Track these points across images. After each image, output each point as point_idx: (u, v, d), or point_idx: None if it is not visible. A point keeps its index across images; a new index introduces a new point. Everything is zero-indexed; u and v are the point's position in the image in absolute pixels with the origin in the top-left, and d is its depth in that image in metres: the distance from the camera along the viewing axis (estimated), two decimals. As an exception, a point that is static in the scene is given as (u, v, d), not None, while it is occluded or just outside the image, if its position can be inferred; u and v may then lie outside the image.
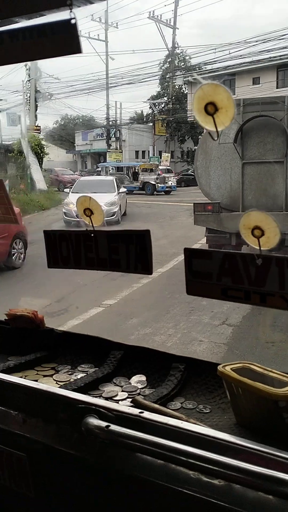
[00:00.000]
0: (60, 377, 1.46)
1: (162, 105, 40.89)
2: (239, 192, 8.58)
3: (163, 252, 9.19)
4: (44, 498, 1.19)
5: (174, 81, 35.65)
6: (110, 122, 40.89)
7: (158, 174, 30.31)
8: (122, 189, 17.20)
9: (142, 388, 1.38)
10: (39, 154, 22.69)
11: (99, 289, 7.34)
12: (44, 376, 1.48)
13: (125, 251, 1.25)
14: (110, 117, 40.51)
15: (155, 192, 29.00)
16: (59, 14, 1.03)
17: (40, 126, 26.72)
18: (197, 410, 1.24)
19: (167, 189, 29.33)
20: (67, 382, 1.40)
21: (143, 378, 1.43)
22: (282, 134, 8.17)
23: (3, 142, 24.03)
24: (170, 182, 30.40)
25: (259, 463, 0.88)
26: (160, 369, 1.43)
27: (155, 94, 43.33)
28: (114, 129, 41.40)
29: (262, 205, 8.15)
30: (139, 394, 1.34)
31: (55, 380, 1.45)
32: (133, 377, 1.44)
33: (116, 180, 17.87)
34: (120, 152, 40.00)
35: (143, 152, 42.35)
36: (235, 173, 8.62)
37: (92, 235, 1.29)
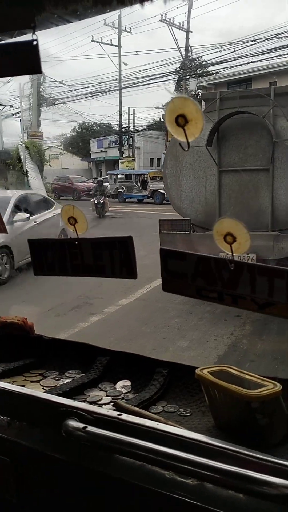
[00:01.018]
0: (47, 382, 1.49)
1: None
2: (215, 206, 7.07)
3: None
4: (27, 502, 1.22)
5: (187, 86, 35.28)
6: (123, 129, 40.45)
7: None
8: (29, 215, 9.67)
9: (127, 392, 1.41)
10: (39, 161, 22.23)
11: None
12: (32, 381, 1.51)
13: (109, 257, 1.30)
14: (123, 123, 40.02)
15: (164, 201, 27.17)
16: (23, 36, 1.09)
17: (42, 132, 26.31)
18: (178, 413, 1.27)
19: None
20: (52, 387, 1.43)
21: (128, 383, 1.46)
22: (267, 135, 6.61)
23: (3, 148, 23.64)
24: None
25: (231, 462, 0.91)
26: (145, 374, 1.46)
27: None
28: (127, 136, 40.90)
29: (243, 223, 6.74)
30: (122, 398, 1.37)
31: (42, 385, 1.48)
32: (118, 382, 1.47)
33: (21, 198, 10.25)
34: (133, 159, 39.39)
35: (158, 159, 41.19)
36: (211, 183, 7.12)
37: (76, 242, 1.33)
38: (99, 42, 36.37)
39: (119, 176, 32.25)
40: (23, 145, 20.89)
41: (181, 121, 0.96)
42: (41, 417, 1.19)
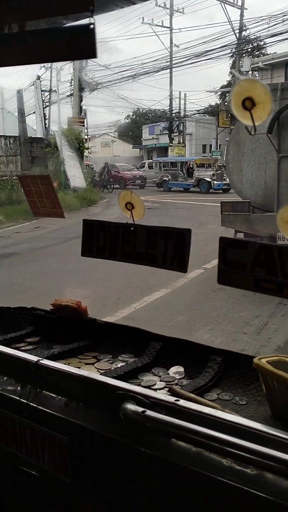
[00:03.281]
0: (101, 365, 1.52)
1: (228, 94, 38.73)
2: (274, 190, 7.50)
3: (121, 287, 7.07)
4: (80, 482, 1.25)
5: (240, 67, 33.41)
6: (174, 114, 38.87)
7: (216, 170, 27.22)
8: None
9: (180, 378, 1.41)
10: (79, 148, 21.11)
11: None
12: (86, 364, 1.54)
13: (163, 246, 1.29)
14: (174, 109, 38.36)
15: (210, 190, 26.26)
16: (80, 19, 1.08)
17: (84, 119, 25.27)
18: (233, 401, 1.26)
19: (224, 186, 25.59)
20: (107, 370, 1.46)
21: (181, 369, 1.46)
22: None
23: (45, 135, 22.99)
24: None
25: None
26: (198, 361, 1.45)
27: (225, 84, 40.39)
28: (177, 122, 39.27)
29: None
30: (176, 384, 1.37)
31: (96, 368, 1.50)
32: (171, 368, 1.47)
33: None
34: (183, 146, 37.78)
35: (210, 146, 39.71)
36: (270, 168, 7.59)
37: (132, 228, 1.33)
38: (149, 24, 35.37)
39: (164, 163, 30.97)
40: (60, 131, 20.16)
41: (248, 104, 0.93)
42: (98, 399, 1.21)
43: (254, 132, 0.95)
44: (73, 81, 24.54)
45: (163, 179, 29.92)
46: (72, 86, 24.76)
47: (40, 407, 1.29)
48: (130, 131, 50.62)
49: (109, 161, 33.19)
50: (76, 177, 19.74)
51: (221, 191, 25.82)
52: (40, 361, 1.33)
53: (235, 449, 0.93)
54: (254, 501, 0.92)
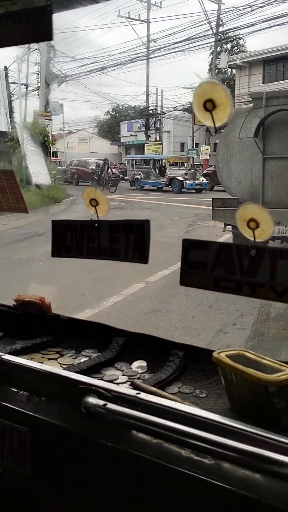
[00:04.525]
0: (64, 360, 1.53)
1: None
2: (259, 188, 8.50)
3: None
4: (40, 475, 1.25)
5: (217, 64, 32.52)
6: (151, 111, 38.33)
7: (189, 169, 26.72)
8: None
9: (142, 373, 1.44)
10: (44, 143, 20.19)
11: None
12: (49, 359, 1.54)
13: (125, 240, 1.31)
14: (150, 105, 37.93)
15: (183, 190, 25.34)
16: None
17: (50, 112, 24.34)
18: (194, 394, 1.30)
19: (197, 186, 25.37)
20: (70, 365, 1.47)
21: (144, 363, 1.48)
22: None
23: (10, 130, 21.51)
24: (202, 179, 26.23)
25: (248, 442, 0.93)
26: (161, 356, 1.48)
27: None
28: (154, 119, 38.62)
29: (283, 202, 8.10)
30: (138, 378, 1.39)
31: (59, 363, 1.51)
32: (134, 363, 1.49)
33: None
34: (159, 143, 37.16)
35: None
36: (256, 168, 8.57)
37: (96, 225, 1.35)
38: (126, 18, 34.83)
39: (136, 161, 29.93)
40: (21, 125, 19.35)
41: (209, 105, 0.96)
42: (59, 393, 1.22)
43: (215, 133, 0.98)
44: (39, 72, 23.73)
45: (136, 177, 29.00)
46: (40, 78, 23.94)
47: (2, 402, 1.29)
48: (110, 128, 49.71)
49: (85, 158, 32.35)
50: (39, 173, 18.75)
51: (193, 191, 25.25)
52: (2, 356, 1.33)
53: (193, 440, 0.96)
54: (212, 490, 0.96)
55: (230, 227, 8.52)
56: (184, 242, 1.17)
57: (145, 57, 32.58)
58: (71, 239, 1.41)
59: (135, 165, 29.51)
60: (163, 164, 28.08)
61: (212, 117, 0.97)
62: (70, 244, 1.42)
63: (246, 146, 8.54)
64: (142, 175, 28.62)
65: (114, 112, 51.28)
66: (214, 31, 29.53)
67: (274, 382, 1.05)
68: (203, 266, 1.14)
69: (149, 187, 28.29)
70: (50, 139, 21.61)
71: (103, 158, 29.20)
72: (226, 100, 0.95)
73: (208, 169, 27.96)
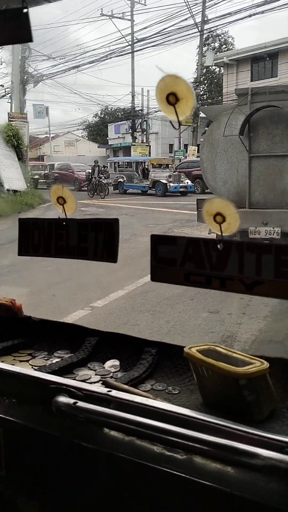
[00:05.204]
0: (36, 362, 1.50)
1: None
2: (245, 187, 8.10)
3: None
4: (16, 475, 1.24)
5: (202, 62, 31.32)
6: (137, 113, 37.28)
7: (173, 171, 25.61)
8: None
9: (115, 371, 1.42)
10: (17, 147, 19.52)
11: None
12: (21, 361, 1.52)
13: (93, 238, 1.30)
14: (136, 106, 36.90)
15: (166, 193, 24.31)
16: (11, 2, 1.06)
17: (26, 114, 23.48)
18: (166, 391, 1.29)
19: (181, 189, 24.48)
20: (42, 366, 1.44)
21: (117, 362, 1.47)
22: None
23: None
24: (186, 181, 25.17)
25: (219, 435, 0.93)
26: (133, 354, 1.47)
27: (191, 81, 38.62)
28: (140, 120, 37.72)
29: (270, 202, 7.86)
30: (111, 377, 1.38)
31: (31, 364, 1.49)
32: (107, 362, 1.48)
33: None
34: (146, 145, 36.02)
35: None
36: (242, 167, 8.15)
37: (64, 223, 1.33)
38: (109, 16, 34.01)
39: (119, 163, 28.67)
40: None
41: (172, 99, 0.96)
42: (31, 395, 1.21)
43: (179, 126, 0.98)
44: (13, 72, 22.92)
45: (118, 180, 27.87)
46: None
47: None
48: (99, 130, 48.91)
49: (72, 162, 31.10)
50: (13, 178, 18.06)
51: (178, 193, 24.38)
52: None
53: (165, 435, 0.95)
54: (184, 484, 0.96)
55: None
56: (152, 238, 1.16)
57: (129, 51, 31.97)
58: (39, 238, 1.39)
59: (118, 168, 28.48)
60: (146, 167, 26.98)
61: (175, 111, 0.97)
62: (38, 243, 1.40)
63: (231, 145, 8.11)
64: (125, 178, 27.70)
65: (103, 115, 50.64)
66: (200, 28, 29.25)
67: (244, 374, 1.05)
68: (173, 261, 1.13)
69: (132, 190, 27.31)
70: (25, 142, 20.91)
71: (94, 161, 28.20)
72: (189, 93, 0.95)
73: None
